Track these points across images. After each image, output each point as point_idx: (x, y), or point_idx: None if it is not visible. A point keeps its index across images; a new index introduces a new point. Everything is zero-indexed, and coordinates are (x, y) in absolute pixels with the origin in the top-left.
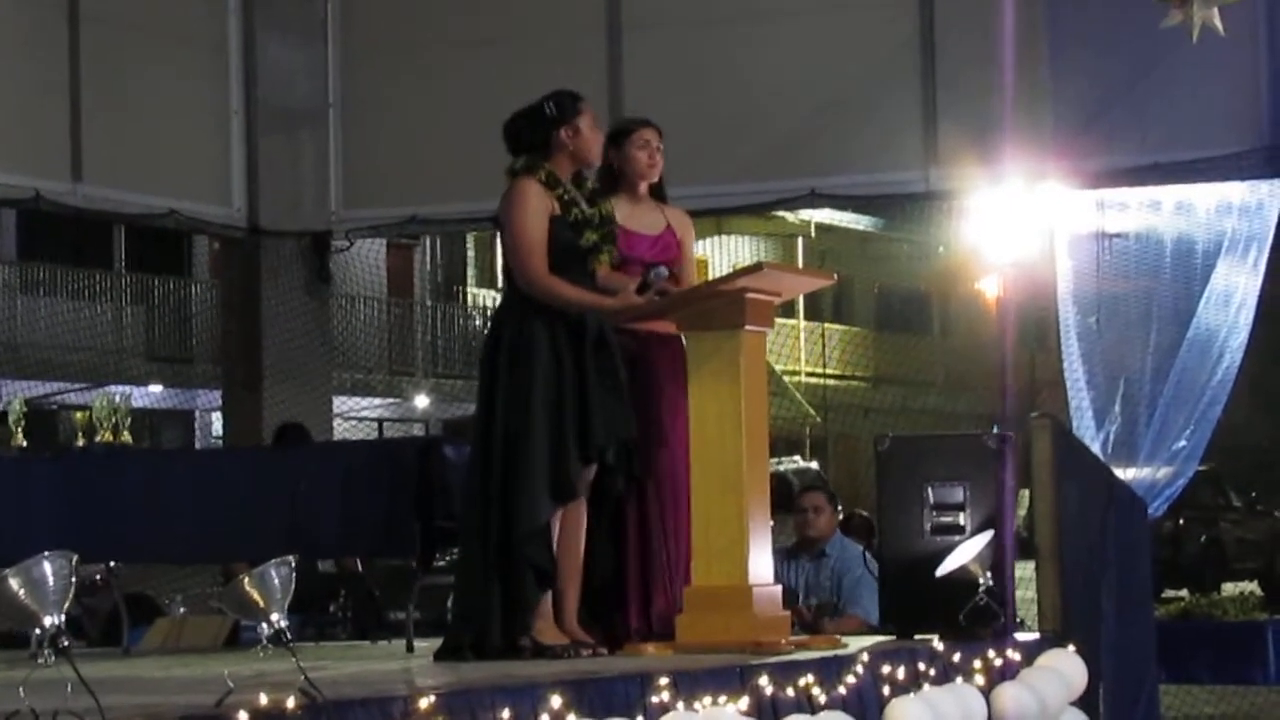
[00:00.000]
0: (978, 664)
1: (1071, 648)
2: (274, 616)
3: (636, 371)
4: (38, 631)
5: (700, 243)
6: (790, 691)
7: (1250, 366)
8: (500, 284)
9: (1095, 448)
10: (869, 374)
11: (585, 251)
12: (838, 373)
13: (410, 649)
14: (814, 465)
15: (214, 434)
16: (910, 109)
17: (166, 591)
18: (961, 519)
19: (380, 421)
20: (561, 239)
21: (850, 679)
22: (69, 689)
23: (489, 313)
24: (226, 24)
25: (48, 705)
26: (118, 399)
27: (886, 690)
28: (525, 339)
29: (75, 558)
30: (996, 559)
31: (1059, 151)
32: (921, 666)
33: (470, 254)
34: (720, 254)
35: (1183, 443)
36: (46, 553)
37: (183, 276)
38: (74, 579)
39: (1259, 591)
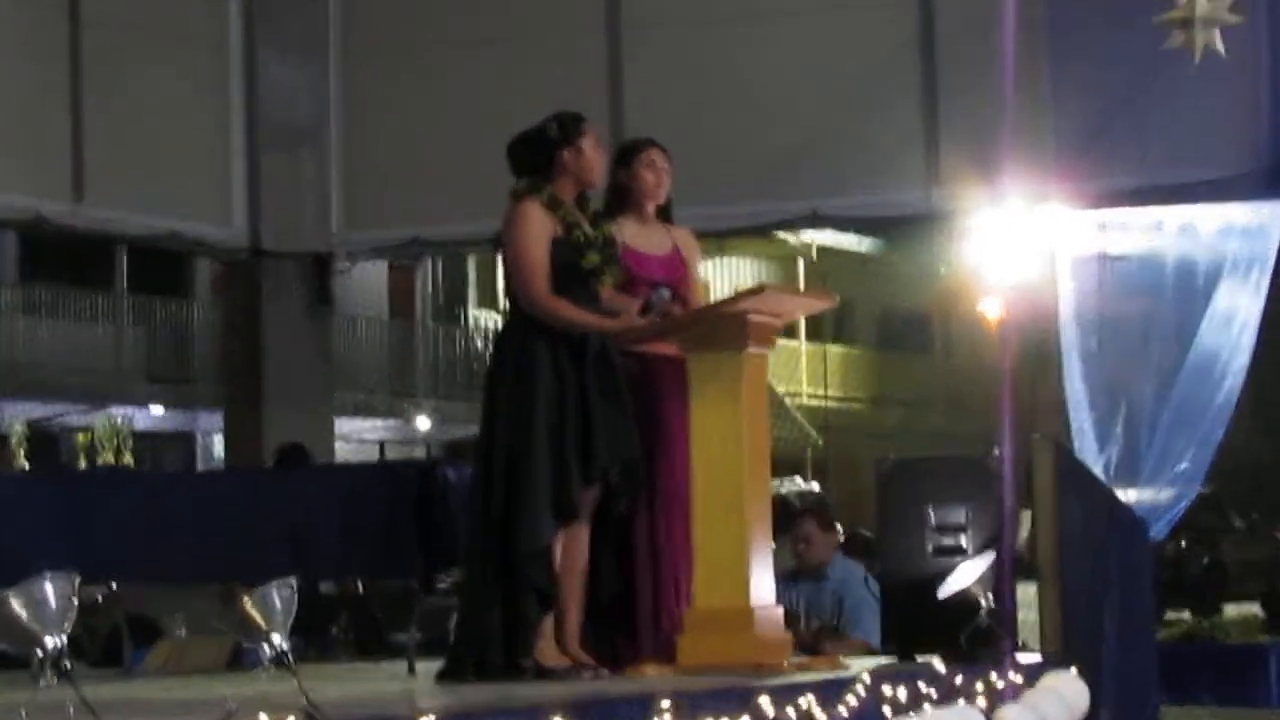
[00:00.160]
0: (979, 686)
1: (1073, 670)
2: (276, 638)
3: (644, 392)
4: (39, 652)
5: (701, 264)
6: (792, 713)
7: (1252, 388)
8: (502, 305)
9: (1097, 469)
10: (870, 395)
11: (587, 273)
12: (839, 394)
13: (412, 670)
14: (815, 487)
15: (215, 455)
16: (911, 130)
17: (168, 612)
18: (963, 540)
19: (381, 443)
20: (564, 260)
21: (852, 700)
22: (70, 710)
23: (490, 334)
24: (228, 45)
25: None
26: (119, 421)
27: (888, 712)
28: (528, 360)
29: (77, 578)
30: (998, 580)
31: (1060, 172)
32: (923, 688)
33: (472, 275)
34: (722, 276)
35: (1184, 464)
36: (48, 573)
37: (184, 298)
38: (75, 599)
39: (1261, 613)
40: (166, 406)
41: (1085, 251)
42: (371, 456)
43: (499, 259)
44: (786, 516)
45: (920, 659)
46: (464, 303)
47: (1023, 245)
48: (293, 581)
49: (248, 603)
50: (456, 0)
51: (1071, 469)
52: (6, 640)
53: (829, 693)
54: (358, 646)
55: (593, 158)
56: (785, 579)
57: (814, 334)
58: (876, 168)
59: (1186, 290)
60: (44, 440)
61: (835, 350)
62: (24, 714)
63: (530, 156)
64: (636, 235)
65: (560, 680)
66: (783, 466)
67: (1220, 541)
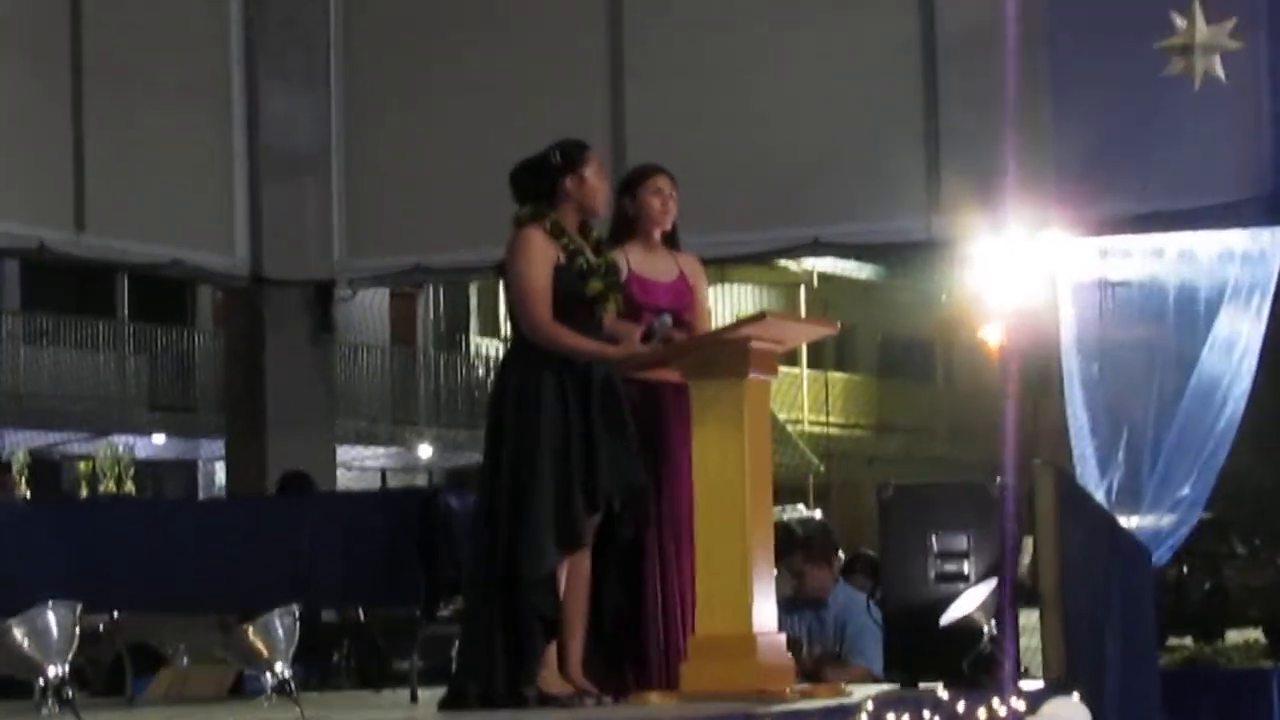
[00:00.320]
0: (982, 713)
1: (1076, 696)
2: (278, 666)
3: (649, 420)
4: (41, 681)
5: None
6: None
7: (1254, 414)
8: (504, 333)
9: (1099, 495)
10: (872, 422)
11: (591, 300)
12: (841, 421)
13: (414, 698)
14: (817, 514)
15: (217, 484)
16: (912, 157)
17: (170, 641)
18: (965, 567)
19: (383, 471)
20: (567, 287)
21: None
22: None
23: (492, 361)
24: (229, 74)
25: None
26: (121, 449)
27: None
28: (532, 388)
29: (79, 607)
30: (1000, 607)
31: (1061, 199)
32: (926, 715)
33: (474, 302)
34: (723, 303)
35: (1186, 490)
36: (50, 602)
37: (186, 326)
38: (77, 629)
39: (1264, 639)
40: (168, 435)
41: (1086, 278)
42: (373, 484)
43: (501, 286)
44: (788, 543)
45: (923, 685)
46: (466, 330)
47: (1024, 272)
48: (295, 610)
49: (250, 631)
50: (458, 30)
51: (1073, 495)
52: (9, 669)
53: (832, 719)
54: (360, 675)
55: (595, 186)
56: (787, 606)
57: (815, 361)
58: (878, 195)
59: (1188, 316)
60: (45, 469)
61: (837, 377)
62: None
63: (533, 183)
64: (643, 262)
65: (563, 708)
66: (785, 493)
67: (1222, 567)
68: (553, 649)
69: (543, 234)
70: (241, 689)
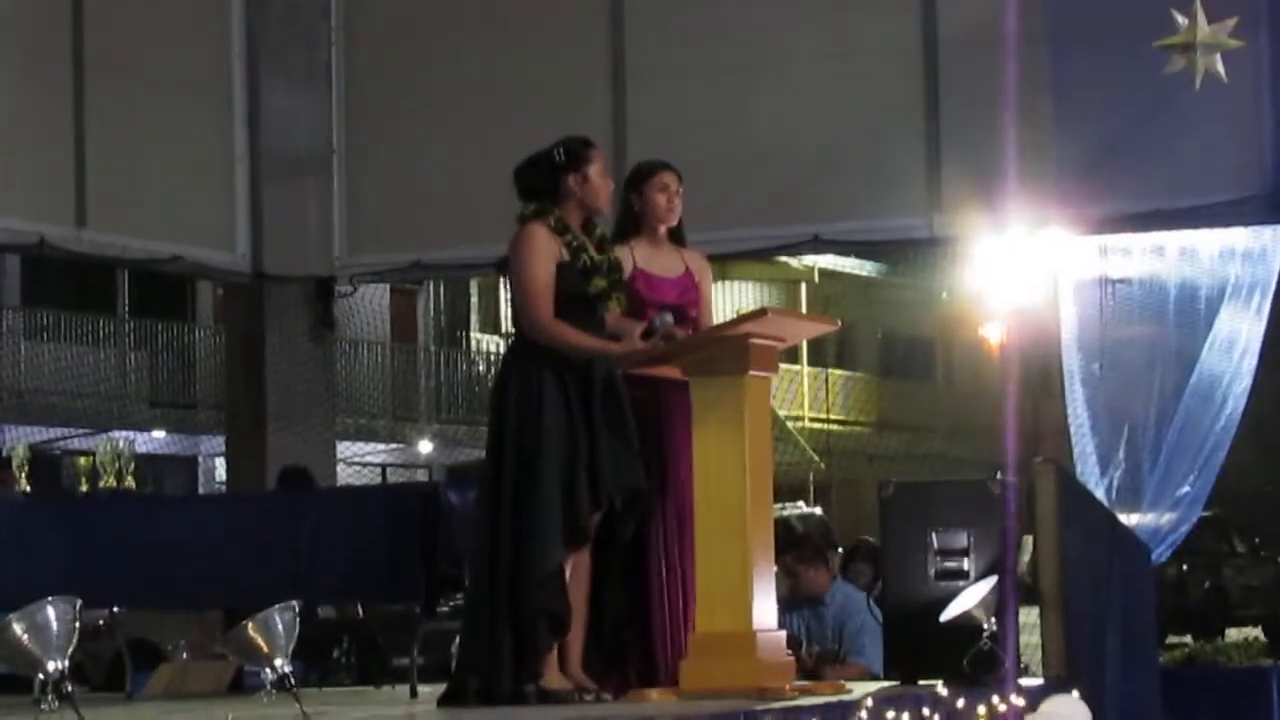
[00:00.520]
0: (982, 710)
1: (1075, 693)
2: (278, 662)
3: (653, 416)
4: (41, 676)
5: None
6: None
7: (1254, 412)
8: (504, 329)
9: (1099, 493)
10: (873, 419)
11: (593, 298)
12: (841, 418)
13: (414, 694)
14: (818, 511)
15: (217, 479)
16: (914, 155)
17: (170, 637)
18: (965, 564)
19: (384, 467)
20: (569, 285)
21: None
22: None
23: (493, 358)
24: (231, 70)
25: None
26: (121, 444)
27: None
28: (533, 384)
29: (79, 603)
30: (1000, 604)
31: (1062, 198)
32: (925, 712)
33: (474, 299)
34: (724, 299)
35: (1186, 488)
36: (50, 598)
37: (186, 322)
38: (78, 624)
39: (1263, 637)
40: (169, 430)
41: (1087, 276)
42: (373, 480)
43: (502, 283)
44: (788, 541)
45: (923, 683)
46: (466, 327)
47: (1024, 270)
48: (295, 605)
49: (250, 627)
50: (458, 29)
51: (1074, 493)
52: (9, 664)
53: (832, 717)
54: (359, 671)
55: (599, 184)
56: (785, 605)
57: (816, 358)
58: (879, 193)
59: (1188, 315)
60: (45, 464)
61: (837, 374)
62: None
63: (536, 181)
64: (649, 258)
65: (563, 704)
66: (785, 490)
67: (1222, 565)
68: (553, 646)
69: (546, 231)
70: (241, 685)
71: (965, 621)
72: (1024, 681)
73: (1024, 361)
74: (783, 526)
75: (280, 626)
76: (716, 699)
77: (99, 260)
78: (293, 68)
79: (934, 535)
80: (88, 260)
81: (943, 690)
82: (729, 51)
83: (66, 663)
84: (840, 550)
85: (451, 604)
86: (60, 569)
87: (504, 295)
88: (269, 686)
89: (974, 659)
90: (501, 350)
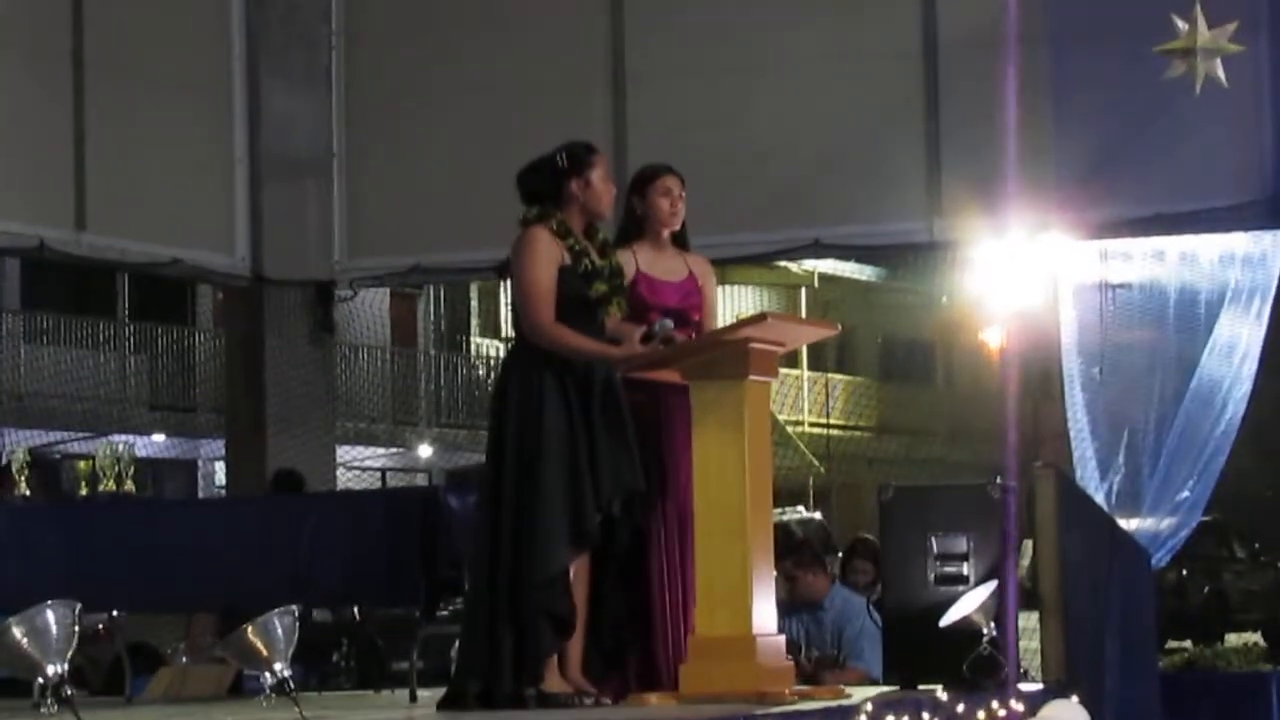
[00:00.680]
0: (981, 715)
1: (1075, 698)
2: (277, 666)
3: (653, 421)
4: (40, 680)
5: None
6: None
7: (1254, 417)
8: (505, 333)
9: (1099, 498)
10: (872, 424)
11: (594, 302)
12: (841, 423)
13: (413, 698)
14: (817, 515)
15: (217, 483)
16: (914, 159)
17: (169, 641)
18: (965, 569)
19: (383, 471)
20: (571, 289)
21: None
22: None
23: (493, 362)
24: (230, 73)
25: None
26: (121, 448)
27: None
28: (534, 388)
29: (78, 607)
30: (1000, 609)
31: (1062, 202)
32: (925, 717)
33: (474, 303)
34: (724, 304)
35: (1186, 493)
36: (50, 602)
37: (186, 325)
38: (77, 628)
39: (1263, 642)
40: (168, 434)
41: (1087, 280)
42: (373, 485)
43: (502, 287)
44: (787, 545)
45: (922, 688)
46: (466, 331)
47: (1024, 274)
48: (294, 609)
49: (250, 631)
50: (459, 30)
51: (1074, 498)
52: (9, 668)
53: None
54: (359, 675)
55: (601, 190)
56: (784, 609)
57: (816, 363)
58: (879, 197)
59: (1188, 319)
60: (46, 468)
61: (837, 379)
62: None
63: (539, 186)
64: (651, 262)
65: (562, 708)
66: (785, 495)
67: (1222, 570)
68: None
69: (548, 234)
70: (240, 689)
71: (965, 626)
72: (1024, 686)
73: (1024, 366)
74: (782, 531)
75: (280, 630)
76: (716, 703)
77: (99, 264)
78: (293, 70)
79: (934, 540)
80: (87, 264)
81: (942, 695)
82: (729, 53)
83: (66, 666)
84: (840, 554)
85: (451, 608)
86: (60, 573)
87: (504, 299)
88: (268, 690)
89: (974, 664)
90: (501, 354)
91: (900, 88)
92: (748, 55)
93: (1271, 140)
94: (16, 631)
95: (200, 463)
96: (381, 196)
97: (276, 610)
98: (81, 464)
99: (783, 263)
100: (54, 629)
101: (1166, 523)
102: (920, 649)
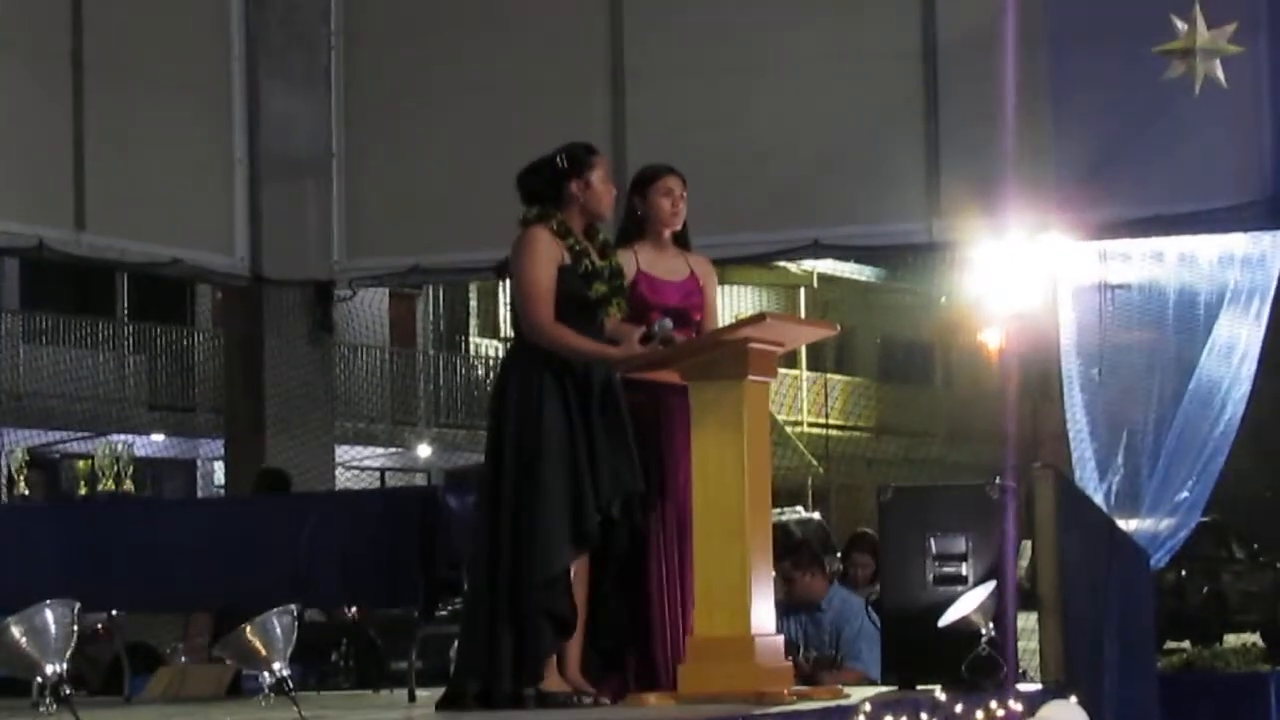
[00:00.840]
0: (980, 715)
1: (1074, 699)
2: (276, 665)
3: (653, 421)
4: (39, 680)
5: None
6: None
7: (1253, 418)
8: (504, 333)
9: (1098, 499)
10: (871, 424)
11: (594, 302)
12: (840, 423)
13: (412, 698)
14: (816, 516)
15: (216, 483)
16: (913, 160)
17: (168, 640)
18: (964, 569)
19: (382, 471)
20: (570, 289)
21: None
22: None
23: (491, 362)
24: (230, 73)
25: None
26: (120, 448)
27: None
28: (533, 388)
29: (77, 606)
30: (999, 609)
31: (1061, 203)
32: (924, 717)
33: (473, 303)
34: (723, 304)
35: (1185, 494)
36: (48, 601)
37: (185, 325)
38: (76, 627)
39: (1261, 643)
40: (167, 434)
41: (1086, 281)
42: (372, 484)
43: (501, 288)
44: (786, 546)
45: (921, 688)
46: (465, 331)
47: (1023, 275)
48: (293, 609)
49: (248, 630)
50: (458, 30)
51: (1072, 498)
52: (7, 667)
53: None
54: (358, 674)
55: (601, 191)
56: (783, 610)
57: (815, 363)
58: (878, 197)
59: (1187, 320)
60: (45, 468)
61: (836, 379)
62: None
63: (538, 186)
64: (653, 261)
65: (561, 708)
66: (784, 495)
67: (1221, 571)
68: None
69: (549, 234)
70: (239, 688)
71: (963, 626)
72: (1022, 687)
73: (1023, 367)
74: (781, 531)
75: (279, 630)
76: (714, 703)
77: (98, 263)
78: (292, 70)
79: (932, 540)
80: (87, 263)
81: (941, 695)
82: (729, 52)
83: (65, 666)
84: (839, 554)
85: (450, 608)
86: (58, 572)
87: (503, 299)
88: (267, 690)
89: (972, 664)
90: (500, 354)
91: (900, 88)
92: (748, 55)
93: (1270, 141)
94: (15, 631)
95: (199, 462)
96: (381, 197)
97: (275, 610)
98: (80, 464)
99: (782, 263)
100: (53, 628)
101: (1165, 523)
102: (919, 649)
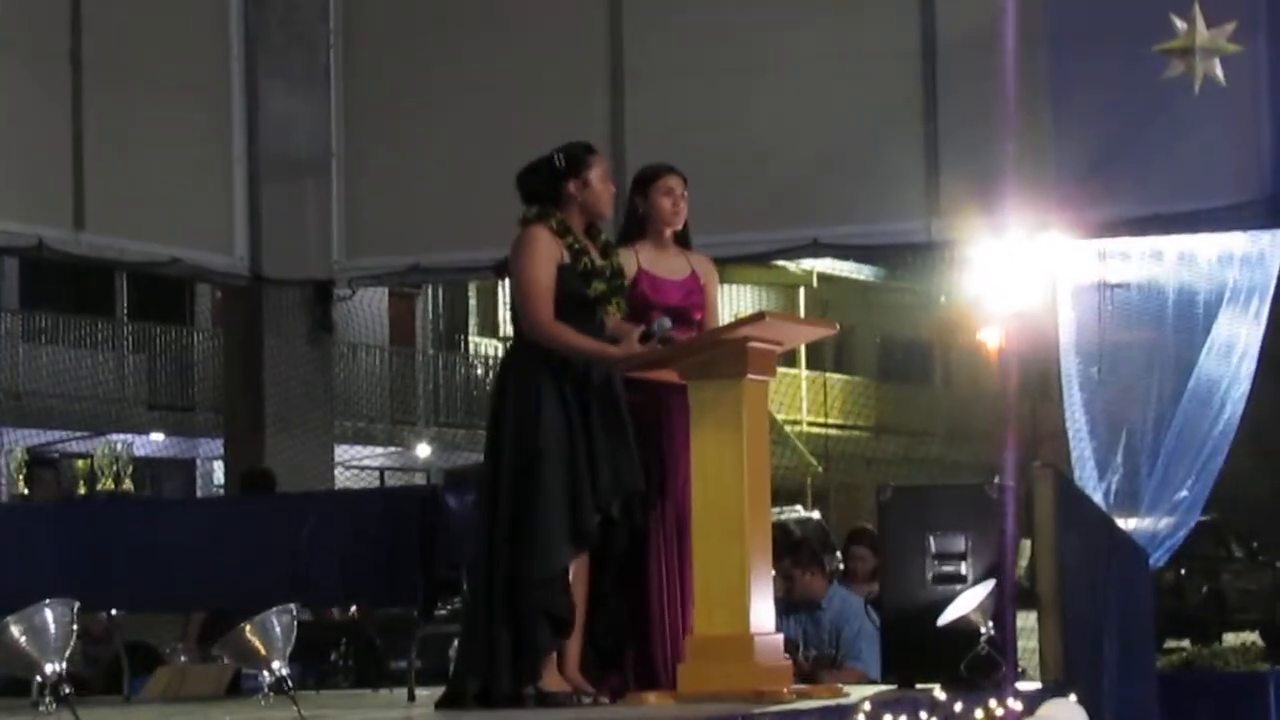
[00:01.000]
0: (979, 714)
1: (1073, 697)
2: (276, 664)
3: (653, 420)
4: (39, 679)
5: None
6: None
7: (1252, 417)
8: (502, 333)
9: (1097, 498)
10: (871, 424)
11: (593, 301)
12: (839, 422)
13: (412, 698)
14: (815, 515)
15: (216, 482)
16: (912, 159)
17: (168, 640)
18: (963, 568)
19: (382, 470)
20: (569, 288)
21: None
22: None
23: (491, 361)
24: (229, 73)
25: None
26: (119, 447)
27: None
28: (531, 387)
29: (76, 605)
30: (998, 608)
31: (1061, 202)
32: (923, 716)
33: (472, 303)
34: (722, 303)
35: (1184, 493)
36: (48, 600)
37: (185, 325)
38: (75, 626)
39: (1260, 642)
40: (167, 433)
41: (1085, 280)
42: (371, 484)
43: (501, 287)
44: (785, 545)
45: (920, 687)
46: (465, 331)
47: (1023, 274)
48: (292, 608)
49: (247, 630)
50: (458, 30)
51: (1072, 497)
52: (7, 667)
53: None
54: (357, 674)
55: (600, 190)
56: (782, 609)
57: (814, 362)
58: (878, 197)
59: (1186, 319)
60: (54, 466)
61: (836, 378)
62: None
63: (537, 186)
64: (654, 260)
65: (561, 707)
66: (783, 494)
67: (1220, 570)
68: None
69: (548, 233)
70: (239, 688)
71: (963, 625)
72: (1021, 686)
73: (1022, 366)
74: (780, 530)
75: (278, 629)
76: (714, 702)
77: (97, 263)
78: (292, 70)
79: (932, 539)
80: (86, 263)
81: (940, 694)
82: (728, 52)
83: (64, 664)
84: (838, 553)
85: (449, 607)
86: (58, 572)
87: (502, 299)
88: (267, 689)
89: (971, 663)
90: (500, 354)
91: (900, 88)
92: (748, 55)
93: (1270, 140)
94: (15, 630)
95: (199, 462)
96: (380, 196)
97: (275, 609)
98: (80, 463)
99: (781, 262)
100: (52, 628)
101: (1164, 522)
102: (918, 648)
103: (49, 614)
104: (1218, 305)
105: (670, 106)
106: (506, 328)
